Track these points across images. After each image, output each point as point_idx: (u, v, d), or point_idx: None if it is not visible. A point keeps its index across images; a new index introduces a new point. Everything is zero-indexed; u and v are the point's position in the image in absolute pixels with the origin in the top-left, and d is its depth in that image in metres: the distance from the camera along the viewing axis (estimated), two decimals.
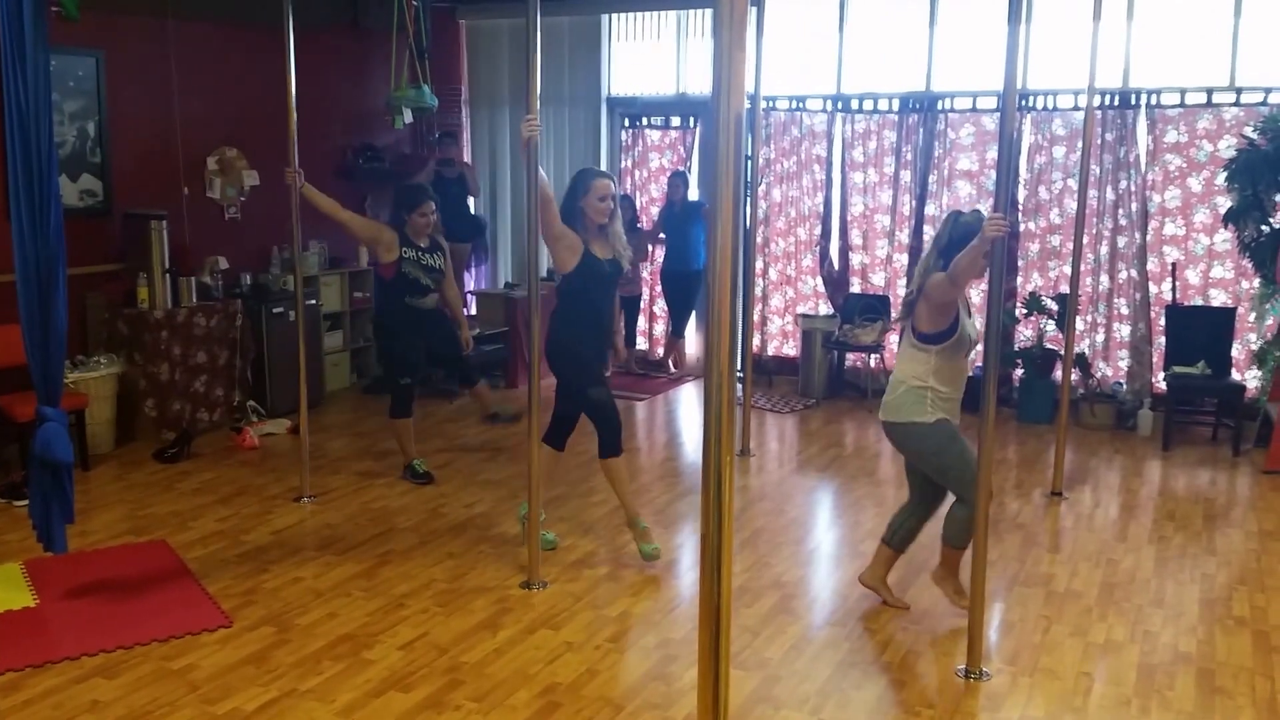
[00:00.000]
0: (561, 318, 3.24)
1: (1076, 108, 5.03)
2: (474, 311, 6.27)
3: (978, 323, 2.80)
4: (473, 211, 6.19)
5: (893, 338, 5.65)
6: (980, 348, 2.65)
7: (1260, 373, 4.74)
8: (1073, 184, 5.02)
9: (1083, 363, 5.08)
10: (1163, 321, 4.92)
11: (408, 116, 5.42)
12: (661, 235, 5.92)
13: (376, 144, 5.91)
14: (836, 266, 5.72)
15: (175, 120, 4.76)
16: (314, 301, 5.19)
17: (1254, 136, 4.48)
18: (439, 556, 3.24)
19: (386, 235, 3.80)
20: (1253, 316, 4.77)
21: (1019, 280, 5.28)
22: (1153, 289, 5.02)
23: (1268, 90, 4.71)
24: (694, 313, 5.97)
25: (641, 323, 6.20)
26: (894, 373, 2.79)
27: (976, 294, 5.44)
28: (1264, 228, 4.48)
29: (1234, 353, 4.76)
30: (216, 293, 4.79)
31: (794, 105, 5.64)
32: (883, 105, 5.46)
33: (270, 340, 4.93)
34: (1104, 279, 5.12)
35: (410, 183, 4.67)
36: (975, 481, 2.59)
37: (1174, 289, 4.91)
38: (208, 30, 4.89)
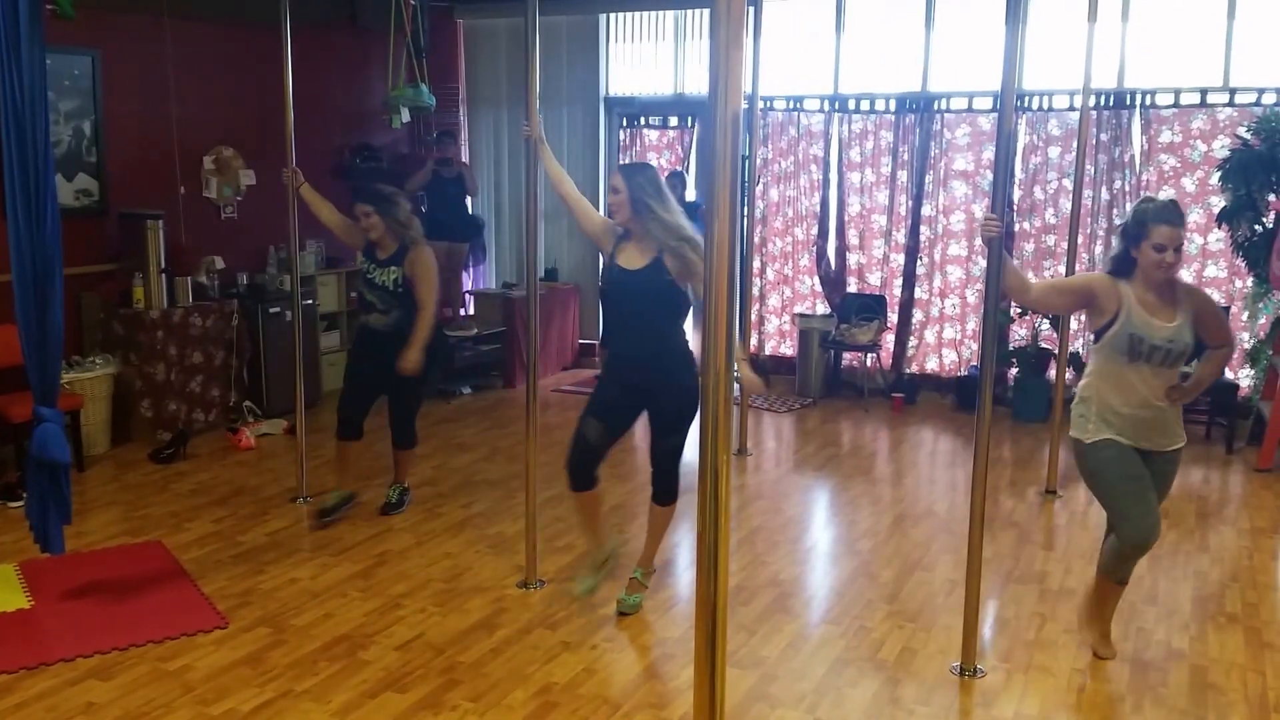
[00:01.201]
0: None
1: (1072, 108, 5.05)
2: (472, 311, 6.27)
3: (1164, 328, 2.28)
4: (470, 211, 6.19)
5: (889, 337, 5.67)
6: (974, 347, 2.61)
7: (1253, 371, 4.77)
8: (1068, 184, 5.04)
9: (1077, 361, 5.09)
10: None
11: (405, 116, 5.42)
12: None
13: (374, 143, 5.90)
14: (833, 266, 5.73)
15: (171, 119, 4.75)
16: (311, 301, 5.18)
17: (1247, 137, 4.50)
18: (436, 556, 3.24)
19: (356, 232, 3.51)
20: (1246, 316, 4.79)
21: None
22: None
23: (1261, 91, 4.73)
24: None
25: None
26: None
27: (972, 293, 5.47)
28: (1257, 227, 4.50)
29: None
30: (213, 293, 4.78)
31: (791, 105, 5.65)
32: (879, 105, 5.47)
33: (266, 340, 4.92)
34: None
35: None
36: (1127, 515, 2.30)
37: None
38: (204, 29, 4.88)
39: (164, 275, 4.49)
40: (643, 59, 6.12)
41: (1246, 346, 4.80)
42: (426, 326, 3.35)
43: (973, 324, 5.39)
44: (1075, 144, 3.97)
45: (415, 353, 3.33)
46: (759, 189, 5.63)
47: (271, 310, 4.94)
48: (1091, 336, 2.41)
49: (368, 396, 3.54)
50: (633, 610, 2.83)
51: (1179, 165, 4.94)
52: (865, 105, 5.50)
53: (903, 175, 5.47)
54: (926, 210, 5.45)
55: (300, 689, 2.43)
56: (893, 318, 5.60)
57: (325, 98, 5.52)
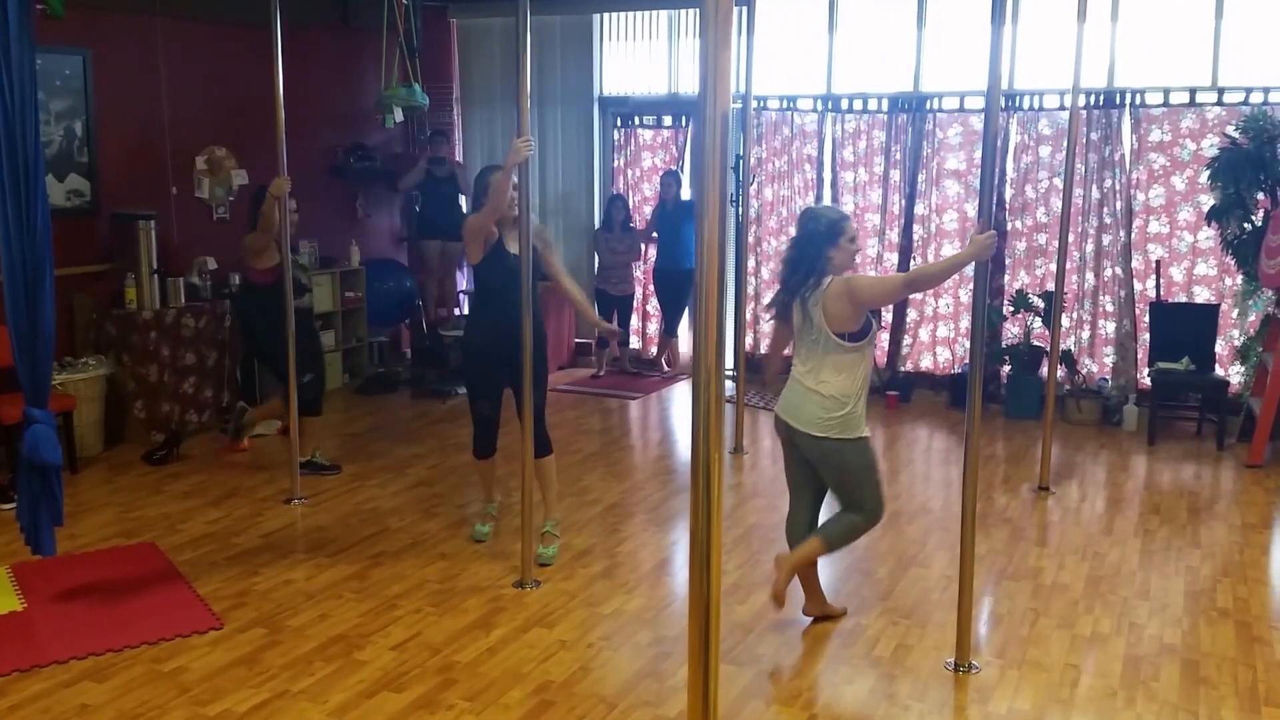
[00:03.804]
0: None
1: (1062, 107, 5.07)
2: (468, 310, 6.27)
3: None
4: (464, 210, 6.19)
5: (884, 335, 5.68)
6: (968, 345, 2.66)
7: (1243, 368, 4.81)
8: (1058, 183, 5.07)
9: (1069, 359, 5.13)
10: (1147, 318, 4.97)
11: (398, 115, 5.41)
12: (654, 234, 5.94)
13: (367, 143, 5.89)
14: None
15: (163, 119, 4.73)
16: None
17: (1236, 135, 4.53)
18: (432, 557, 3.24)
19: (267, 241, 3.72)
20: (1235, 313, 4.83)
21: (1006, 278, 5.32)
22: (1137, 286, 5.07)
23: (1249, 90, 4.77)
24: (687, 311, 5.99)
25: (635, 321, 6.21)
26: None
27: (965, 292, 5.50)
28: (1246, 225, 4.54)
29: (1217, 348, 4.82)
30: (205, 293, 4.77)
31: (785, 105, 5.67)
32: (872, 105, 5.49)
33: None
34: (1089, 276, 5.17)
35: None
36: (881, 500, 2.66)
37: (1158, 286, 4.97)
38: (196, 28, 4.87)
39: (156, 276, 4.47)
40: (637, 58, 6.12)
41: (1236, 343, 4.85)
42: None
43: (966, 322, 5.41)
44: (1066, 143, 3.99)
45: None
46: (753, 188, 5.65)
47: None
48: (846, 338, 2.53)
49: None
50: (549, 561, 3.14)
51: (1169, 164, 4.97)
52: (858, 105, 5.52)
53: (895, 174, 5.49)
54: (920, 209, 5.47)
55: (296, 689, 2.42)
56: (887, 316, 5.61)
57: (318, 97, 5.50)
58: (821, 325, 2.55)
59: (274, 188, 3.58)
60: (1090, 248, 5.15)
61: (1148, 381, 4.87)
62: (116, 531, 3.46)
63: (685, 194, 5.85)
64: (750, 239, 5.60)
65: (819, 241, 2.57)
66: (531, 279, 2.93)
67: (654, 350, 6.23)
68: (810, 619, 2.81)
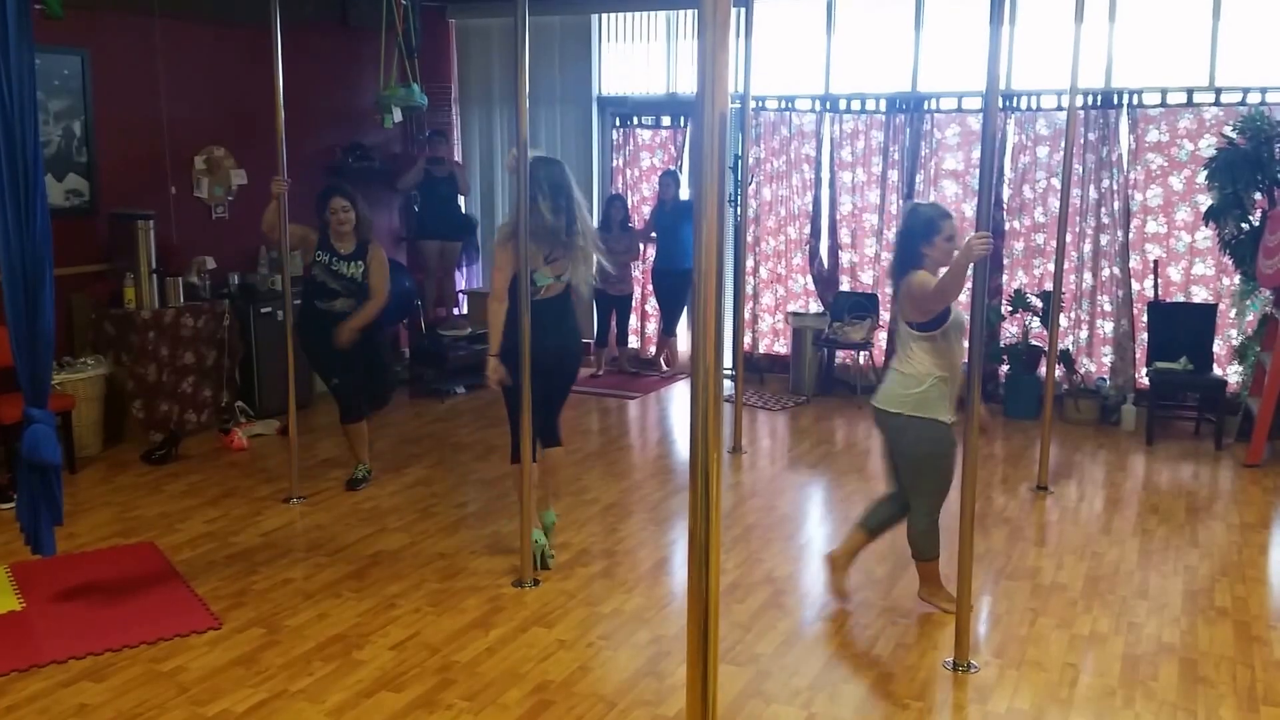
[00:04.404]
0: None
1: (1060, 108, 5.08)
2: (465, 310, 6.27)
3: None
4: (463, 210, 6.19)
5: (882, 334, 5.69)
6: (965, 344, 2.67)
7: (1241, 368, 4.82)
8: (1056, 183, 5.08)
9: (1067, 359, 5.14)
10: (1145, 318, 4.98)
11: (397, 115, 5.40)
12: (653, 234, 5.94)
13: (366, 143, 5.89)
14: (826, 265, 5.76)
15: (162, 119, 4.73)
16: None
17: (1233, 136, 4.54)
18: (430, 556, 3.24)
19: (311, 237, 3.80)
20: (1233, 313, 4.84)
21: (1004, 278, 5.33)
22: (1135, 286, 5.08)
23: (1246, 90, 4.78)
24: (685, 311, 6.00)
25: (633, 321, 6.22)
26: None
27: (964, 292, 5.49)
28: (1244, 225, 4.55)
29: (1215, 348, 4.83)
30: (204, 293, 4.76)
31: (783, 105, 5.68)
32: (870, 105, 5.50)
33: (258, 341, 4.91)
34: (1087, 276, 5.18)
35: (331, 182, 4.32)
36: (947, 488, 2.72)
37: (1156, 286, 4.98)
38: (195, 28, 4.87)
39: (155, 276, 4.47)
40: (635, 59, 6.13)
41: (1234, 343, 4.85)
42: (376, 310, 3.82)
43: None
44: (1063, 143, 4.00)
45: (351, 331, 3.77)
46: (751, 188, 5.65)
47: (263, 310, 4.92)
48: (915, 326, 2.65)
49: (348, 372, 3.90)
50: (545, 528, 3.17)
51: (1166, 164, 4.98)
52: (856, 105, 5.53)
53: (894, 174, 5.50)
54: None
55: (295, 689, 2.42)
56: (885, 316, 5.62)
57: (317, 97, 5.50)
58: (898, 312, 2.71)
59: (272, 187, 3.58)
60: (1088, 248, 5.16)
61: (1146, 381, 4.88)
62: (115, 531, 3.45)
63: (684, 194, 5.85)
64: (749, 239, 5.60)
65: (915, 237, 2.68)
66: (531, 282, 2.88)
67: (652, 350, 6.23)
68: (811, 617, 2.81)
